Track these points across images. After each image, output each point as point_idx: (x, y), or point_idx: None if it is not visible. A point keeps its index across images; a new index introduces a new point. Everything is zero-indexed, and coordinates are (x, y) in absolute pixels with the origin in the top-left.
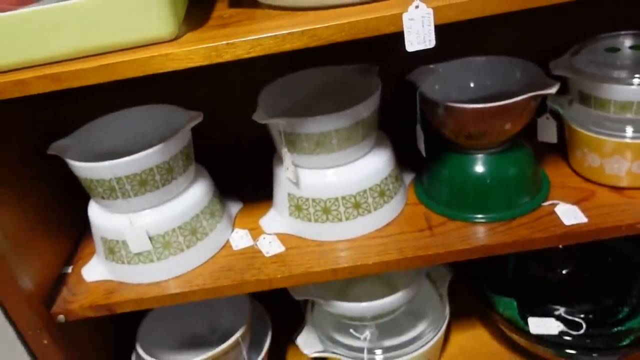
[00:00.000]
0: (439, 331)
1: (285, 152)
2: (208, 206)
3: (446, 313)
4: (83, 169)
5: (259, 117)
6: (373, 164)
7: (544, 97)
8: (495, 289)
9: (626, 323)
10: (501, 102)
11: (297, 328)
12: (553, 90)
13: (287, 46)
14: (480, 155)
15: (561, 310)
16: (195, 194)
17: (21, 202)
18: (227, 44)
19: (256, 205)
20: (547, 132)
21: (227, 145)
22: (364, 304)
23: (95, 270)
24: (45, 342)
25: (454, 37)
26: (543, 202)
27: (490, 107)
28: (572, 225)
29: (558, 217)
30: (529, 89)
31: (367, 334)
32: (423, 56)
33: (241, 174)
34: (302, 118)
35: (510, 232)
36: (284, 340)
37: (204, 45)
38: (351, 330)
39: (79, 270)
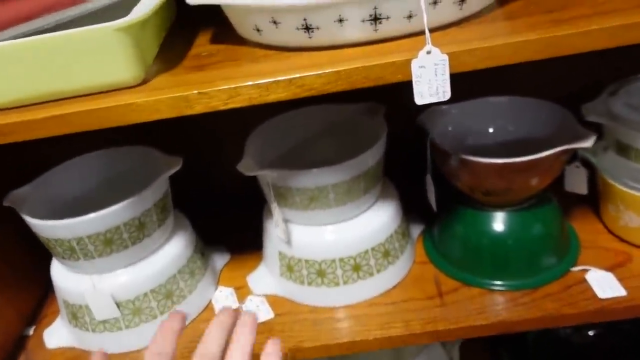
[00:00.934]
0: None
1: (275, 207)
2: (187, 264)
3: None
4: (38, 226)
5: (245, 167)
6: (377, 220)
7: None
8: (513, 354)
9: None
10: (526, 158)
11: None
12: (588, 143)
13: (272, 97)
14: (499, 212)
15: None
16: (172, 251)
17: None
18: (199, 93)
19: (245, 258)
20: (577, 182)
21: (215, 189)
22: None
23: (58, 334)
24: None
25: (471, 74)
26: (572, 266)
27: (512, 163)
28: (608, 299)
29: (590, 288)
30: (558, 137)
31: None
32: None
33: (230, 221)
34: (294, 171)
35: (535, 304)
36: None
37: (171, 95)
38: None
39: (41, 333)
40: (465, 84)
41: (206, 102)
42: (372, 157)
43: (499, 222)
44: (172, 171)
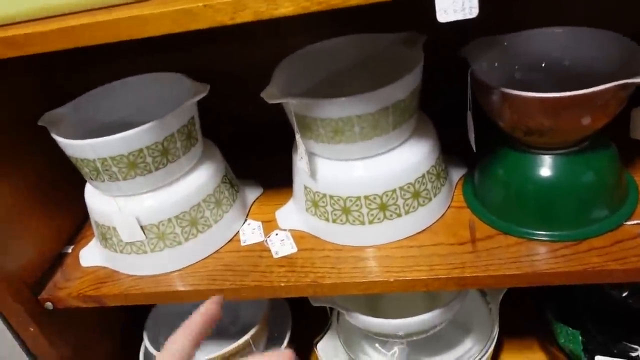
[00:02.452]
0: (483, 354)
1: (298, 139)
2: (213, 194)
3: (495, 332)
4: (64, 145)
5: (268, 95)
6: (407, 158)
7: None
8: (558, 313)
9: None
10: (573, 93)
11: (321, 331)
12: None
13: (280, 11)
14: (545, 156)
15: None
16: (198, 179)
17: (19, 173)
18: (205, 6)
19: (277, 193)
20: None
21: (253, 120)
22: (393, 322)
23: (91, 254)
24: (32, 329)
25: (521, 1)
26: (626, 220)
27: (557, 98)
28: None
29: None
30: (622, 73)
31: (396, 350)
32: (482, 25)
33: (267, 157)
34: (317, 100)
35: (576, 257)
36: (305, 344)
37: (176, 8)
38: (377, 345)
39: (78, 252)
40: (516, 11)
41: (211, 15)
42: (401, 88)
43: (545, 166)
44: (198, 97)
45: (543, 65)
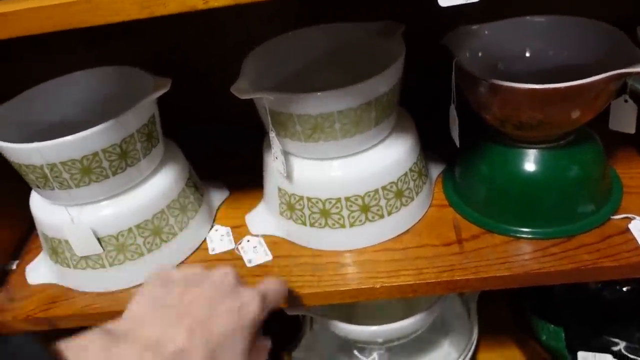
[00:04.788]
0: (464, 357)
1: (273, 137)
2: (178, 199)
3: (474, 334)
4: (6, 149)
5: (238, 89)
6: (389, 156)
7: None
8: (537, 309)
9: None
10: (568, 84)
11: (293, 339)
12: None
13: None
14: (531, 150)
15: (621, 346)
16: (160, 183)
17: None
18: None
19: (245, 195)
20: (624, 118)
21: (216, 117)
22: (373, 329)
23: (40, 270)
24: None
25: None
26: (613, 214)
27: (551, 89)
28: None
29: (634, 238)
30: (608, 62)
31: (375, 356)
32: (464, 13)
33: (232, 153)
34: (294, 94)
35: (567, 255)
36: (276, 353)
37: None
38: (355, 352)
39: (24, 268)
40: (501, 1)
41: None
42: (385, 82)
43: (530, 161)
44: (159, 93)
45: (527, 55)
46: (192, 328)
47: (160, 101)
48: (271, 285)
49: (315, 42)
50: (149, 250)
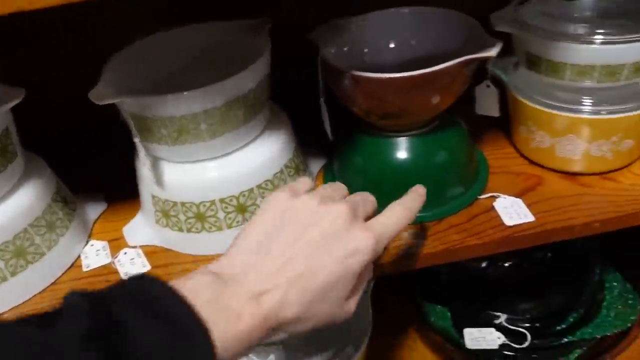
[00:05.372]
0: (359, 347)
1: (138, 143)
2: (43, 216)
3: (369, 325)
4: None
5: (96, 95)
6: (263, 154)
7: (484, 60)
8: (426, 293)
9: (577, 332)
10: (421, 71)
11: None
12: (492, 52)
13: None
14: (400, 138)
15: (502, 319)
16: (21, 201)
17: None
18: None
19: (123, 206)
20: (488, 103)
21: (86, 126)
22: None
23: None
24: None
25: None
26: (480, 194)
27: (406, 77)
28: (515, 226)
29: (498, 215)
30: (466, 49)
31: (272, 357)
32: (331, 7)
33: (109, 163)
34: (154, 97)
35: (438, 237)
36: None
37: None
38: (251, 355)
39: None
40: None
41: None
42: (250, 78)
43: (398, 149)
44: (11, 104)
45: (392, 46)
46: (294, 282)
47: (19, 113)
48: (390, 223)
49: (185, 42)
50: (13, 274)
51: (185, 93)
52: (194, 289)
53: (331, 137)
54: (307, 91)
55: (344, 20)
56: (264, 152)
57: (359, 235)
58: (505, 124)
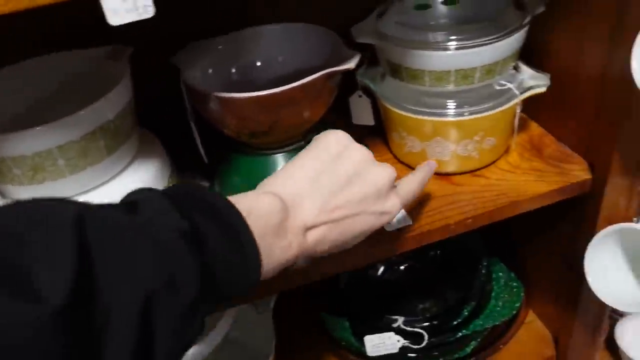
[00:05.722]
0: None
1: None
2: None
3: (272, 344)
4: None
5: None
6: (133, 184)
7: (352, 72)
8: (328, 307)
9: (470, 325)
10: (287, 86)
11: None
12: (351, 65)
13: None
14: (277, 155)
15: (400, 321)
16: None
17: None
18: None
19: None
20: (362, 113)
21: None
22: None
23: None
24: None
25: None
26: None
27: (273, 94)
28: (395, 231)
29: None
30: (330, 64)
31: None
32: (195, 30)
33: None
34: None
35: None
36: None
37: None
38: None
39: None
40: (231, 13)
41: None
42: (107, 108)
43: (275, 166)
44: None
45: (259, 64)
46: (338, 224)
47: None
48: (411, 189)
49: (43, 74)
50: None
51: (33, 130)
52: (261, 214)
53: (206, 160)
54: (181, 115)
55: (206, 41)
56: (135, 182)
57: (392, 199)
58: (382, 132)
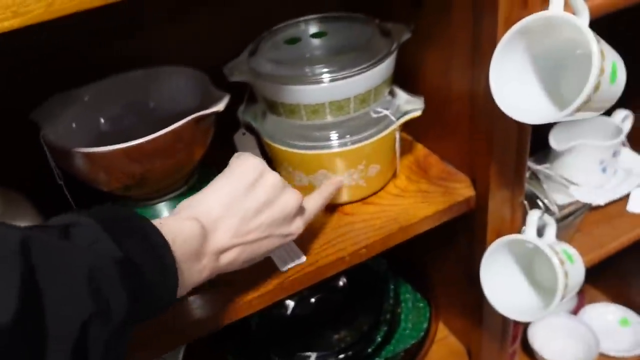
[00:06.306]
0: None
1: None
2: None
3: None
4: None
5: None
6: None
7: (234, 108)
8: (239, 346)
9: (382, 351)
10: (142, 140)
11: None
12: (219, 107)
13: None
14: (159, 204)
15: (313, 357)
16: None
17: None
18: None
19: None
20: (247, 150)
21: None
22: None
23: None
24: None
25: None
26: None
27: (129, 147)
28: (289, 269)
29: (273, 262)
30: (203, 105)
31: None
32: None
33: None
34: None
35: (218, 296)
36: None
37: None
38: None
39: None
40: (100, 62)
41: None
42: None
43: (159, 217)
44: None
45: (128, 112)
46: (248, 246)
47: None
48: (313, 210)
49: None
50: None
51: None
52: (184, 238)
53: None
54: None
55: (65, 94)
56: None
57: (297, 223)
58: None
